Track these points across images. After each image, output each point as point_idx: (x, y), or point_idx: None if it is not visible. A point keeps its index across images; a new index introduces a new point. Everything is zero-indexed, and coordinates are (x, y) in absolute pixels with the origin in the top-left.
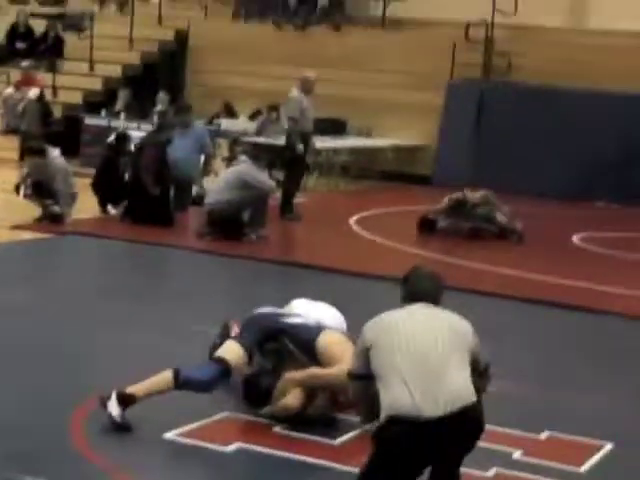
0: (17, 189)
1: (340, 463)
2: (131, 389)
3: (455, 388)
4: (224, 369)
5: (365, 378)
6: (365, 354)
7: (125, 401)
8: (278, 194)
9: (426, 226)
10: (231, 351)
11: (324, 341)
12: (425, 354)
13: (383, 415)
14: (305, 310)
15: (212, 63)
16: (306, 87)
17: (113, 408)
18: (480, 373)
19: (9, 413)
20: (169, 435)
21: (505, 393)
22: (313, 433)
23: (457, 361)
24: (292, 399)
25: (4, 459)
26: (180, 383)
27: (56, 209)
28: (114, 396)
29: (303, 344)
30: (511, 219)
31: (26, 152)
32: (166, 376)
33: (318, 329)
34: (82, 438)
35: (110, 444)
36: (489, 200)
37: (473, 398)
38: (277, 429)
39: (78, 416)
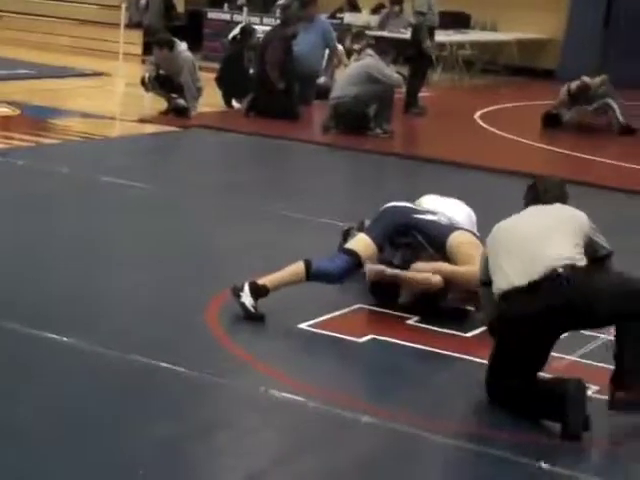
0: (143, 83)
1: (472, 355)
2: (263, 280)
3: (557, 253)
4: (355, 261)
5: (489, 284)
6: (485, 262)
7: (257, 292)
8: (403, 89)
9: (550, 121)
10: (362, 243)
11: (455, 240)
12: (528, 239)
13: (497, 300)
14: (436, 206)
15: None
16: None
17: (246, 298)
18: (598, 259)
19: (147, 302)
20: (303, 326)
21: None
22: (446, 326)
23: (562, 238)
24: (435, 278)
25: (142, 346)
26: (311, 275)
27: (181, 102)
28: (247, 287)
29: (434, 241)
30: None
31: (154, 44)
32: (298, 267)
33: (450, 228)
34: (218, 328)
35: (245, 334)
36: (607, 82)
37: (580, 263)
38: (410, 322)
39: (213, 306)
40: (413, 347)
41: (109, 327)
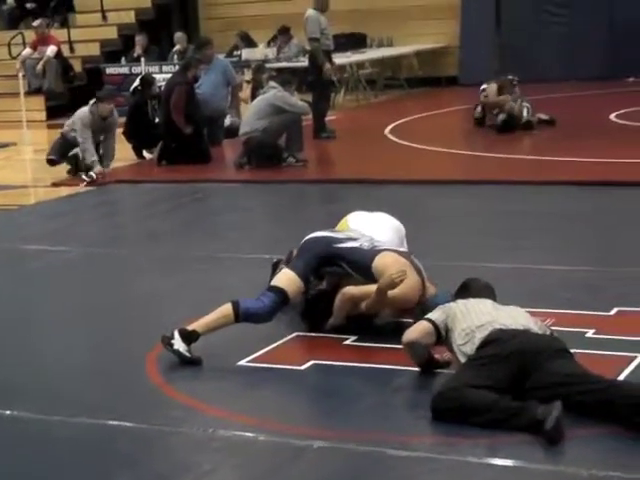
0: (51, 162)
1: (413, 365)
2: (192, 325)
3: None
4: (281, 297)
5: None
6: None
7: (188, 337)
8: (310, 115)
9: (507, 126)
10: (286, 278)
11: (380, 263)
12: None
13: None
14: (361, 225)
15: None
16: (321, 5)
17: (179, 345)
18: None
19: (84, 363)
20: (242, 362)
21: (570, 277)
22: (382, 341)
23: None
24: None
25: (86, 407)
26: (240, 316)
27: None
28: (176, 334)
29: (359, 268)
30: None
31: (101, 100)
32: (226, 310)
33: (373, 252)
34: (158, 377)
35: (186, 379)
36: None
37: None
38: (348, 342)
39: (151, 357)
40: (354, 366)
41: (49, 393)
